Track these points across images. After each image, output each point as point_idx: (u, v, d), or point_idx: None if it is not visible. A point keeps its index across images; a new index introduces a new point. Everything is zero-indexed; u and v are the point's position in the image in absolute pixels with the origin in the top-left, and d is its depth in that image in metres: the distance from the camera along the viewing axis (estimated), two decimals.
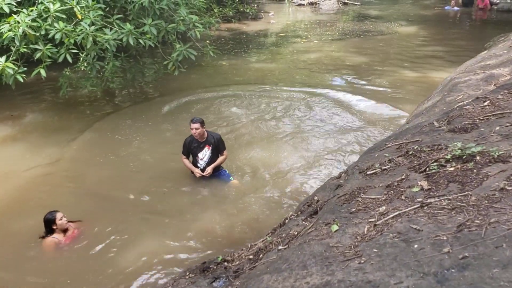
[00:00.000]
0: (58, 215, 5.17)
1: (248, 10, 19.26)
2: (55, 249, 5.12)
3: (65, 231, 5.24)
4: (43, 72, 7.42)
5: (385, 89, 9.96)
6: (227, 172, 6.54)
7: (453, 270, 2.00)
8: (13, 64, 7.20)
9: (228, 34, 16.65)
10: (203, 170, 6.34)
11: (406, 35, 15.90)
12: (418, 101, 8.01)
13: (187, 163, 6.48)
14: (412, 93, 9.49)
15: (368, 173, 3.53)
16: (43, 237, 5.20)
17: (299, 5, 23.30)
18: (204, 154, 6.35)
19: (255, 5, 20.78)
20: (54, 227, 5.16)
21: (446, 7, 20.83)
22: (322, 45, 14.82)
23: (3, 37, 7.10)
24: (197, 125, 6.16)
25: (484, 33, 14.89)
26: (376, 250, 2.38)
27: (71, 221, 5.37)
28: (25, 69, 7.48)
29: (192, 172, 6.43)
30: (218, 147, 6.39)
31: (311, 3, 23.26)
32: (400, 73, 11.14)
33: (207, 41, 10.76)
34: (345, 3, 23.42)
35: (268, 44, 15.18)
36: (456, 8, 20.32)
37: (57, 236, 5.18)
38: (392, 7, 22.53)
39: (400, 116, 8.24)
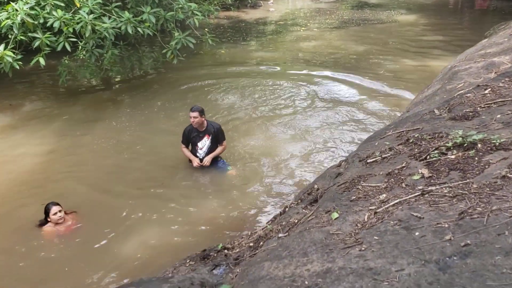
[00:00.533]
0: (53, 209, 5.09)
1: None
2: (52, 236, 5.09)
3: (60, 223, 5.16)
4: (42, 61, 7.38)
5: (385, 77, 9.92)
6: (225, 162, 6.53)
7: (455, 258, 1.99)
8: (12, 52, 7.15)
9: (227, 22, 16.57)
10: (202, 160, 6.33)
11: (406, 23, 15.83)
12: (418, 89, 7.99)
13: (187, 152, 6.46)
14: (412, 81, 9.46)
15: (368, 161, 3.52)
16: (40, 225, 5.19)
17: None
18: (204, 144, 6.33)
19: None
20: (48, 220, 5.13)
21: None
22: (321, 33, 14.74)
23: (1, 25, 7.04)
24: (195, 114, 6.14)
25: (484, 21, 14.82)
26: (376, 238, 2.38)
27: (66, 212, 5.30)
28: (21, 56, 7.43)
29: (190, 161, 6.41)
30: (217, 137, 6.37)
31: None
32: (400, 61, 11.10)
33: (206, 29, 10.68)
34: None
35: (267, 32, 15.11)
36: None
37: (53, 226, 5.15)
38: None
39: (400, 105, 8.21)
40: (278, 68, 10.98)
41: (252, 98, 9.06)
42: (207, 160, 6.29)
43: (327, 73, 10.46)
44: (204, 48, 11.22)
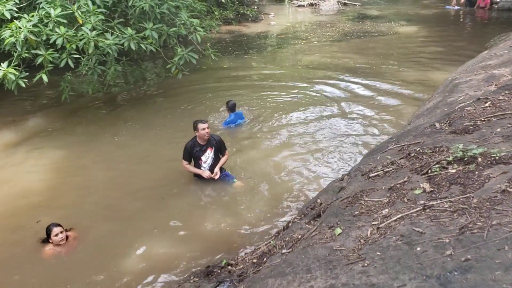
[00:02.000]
0: (54, 231, 5.07)
1: (248, 12, 19.28)
2: (51, 257, 5.05)
3: (61, 244, 5.13)
4: (45, 78, 7.45)
5: (386, 90, 9.96)
6: (230, 173, 6.56)
7: (455, 273, 2.01)
8: (15, 69, 7.24)
9: (229, 37, 16.69)
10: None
11: (406, 35, 15.92)
12: (420, 102, 8.04)
13: (191, 167, 6.44)
14: (413, 94, 9.49)
15: (370, 175, 3.55)
16: (42, 242, 5.19)
17: (299, 6, 23.34)
18: (207, 157, 6.37)
19: (255, 7, 20.83)
20: (50, 241, 5.11)
21: (446, 6, 20.83)
22: (322, 46, 14.84)
23: (5, 42, 7.13)
24: (207, 125, 6.27)
25: (484, 33, 14.89)
26: (379, 253, 2.40)
27: (67, 230, 5.28)
28: (27, 74, 7.51)
29: (195, 175, 6.44)
30: (220, 149, 6.43)
31: (311, 4, 23.30)
32: (402, 73, 11.15)
33: (208, 44, 10.77)
34: (345, 4, 23.46)
35: (269, 46, 15.22)
36: (456, 7, 20.32)
37: (54, 247, 5.12)
38: (392, 7, 22.55)
39: (401, 117, 8.24)
40: (280, 82, 11.03)
41: (255, 111, 9.11)
42: (217, 172, 6.30)
43: (328, 86, 10.50)
44: (206, 62, 11.30)
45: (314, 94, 9.98)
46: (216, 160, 6.43)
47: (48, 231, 5.10)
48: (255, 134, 8.04)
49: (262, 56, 13.88)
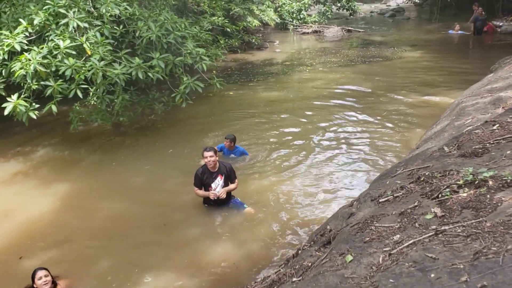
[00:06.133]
0: (38, 274, 4.77)
1: (253, 40, 19.51)
2: None
3: None
4: (54, 108, 7.54)
5: (392, 114, 9.97)
6: (239, 200, 6.54)
7: None
8: (25, 100, 7.33)
9: (234, 64, 16.85)
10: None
11: (411, 60, 16.01)
12: (427, 125, 8.02)
13: (200, 192, 6.48)
14: (420, 118, 9.48)
15: (380, 200, 3.51)
16: None
17: (303, 33, 23.59)
18: (217, 184, 6.37)
19: (260, 35, 21.08)
20: (35, 286, 4.80)
21: (449, 31, 20.98)
22: (327, 72, 14.94)
23: (15, 75, 7.24)
24: (211, 153, 6.24)
25: (488, 56, 14.94)
26: (392, 281, 2.36)
27: (58, 279, 5.01)
28: (38, 106, 7.60)
29: (205, 202, 6.42)
30: (230, 176, 6.43)
31: (315, 31, 23.55)
32: (407, 97, 11.17)
33: (214, 72, 10.87)
34: (349, 30, 23.70)
35: (274, 73, 15.33)
36: (460, 32, 20.46)
37: None
38: (394, 33, 22.75)
39: (409, 141, 8.22)
40: (286, 109, 11.07)
41: (262, 139, 9.13)
42: (222, 192, 6.28)
43: (334, 113, 10.52)
44: (212, 90, 11.38)
45: (321, 120, 9.99)
46: (225, 187, 6.43)
47: (33, 275, 4.80)
48: (263, 161, 8.04)
49: (268, 83, 13.97)
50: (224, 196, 6.30)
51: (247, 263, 5.23)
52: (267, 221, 6.11)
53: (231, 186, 6.47)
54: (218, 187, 6.39)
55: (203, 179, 6.41)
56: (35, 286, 4.80)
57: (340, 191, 6.73)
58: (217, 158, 6.40)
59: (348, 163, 7.64)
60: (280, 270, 3.60)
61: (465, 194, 3.04)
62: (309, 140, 8.82)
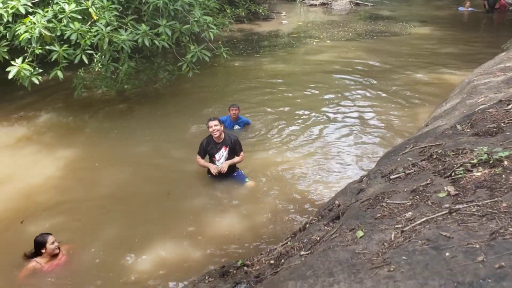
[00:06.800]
0: (50, 239, 4.81)
1: (260, 11, 19.19)
2: (32, 275, 4.73)
3: (53, 256, 4.86)
4: (60, 74, 7.44)
5: (400, 90, 9.84)
6: (242, 172, 6.50)
7: (489, 280, 1.94)
8: (29, 65, 7.22)
9: (240, 35, 16.61)
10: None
11: (420, 36, 15.76)
12: (435, 103, 7.93)
13: (203, 162, 6.45)
14: (428, 95, 9.36)
15: (391, 177, 3.47)
16: (27, 257, 4.88)
17: (311, 5, 23.19)
18: (221, 155, 6.33)
19: (267, 5, 20.71)
20: (43, 251, 4.80)
21: (459, 8, 20.61)
22: (335, 46, 14.72)
23: (20, 38, 7.12)
24: (215, 122, 6.19)
25: (500, 34, 14.71)
26: (405, 258, 2.33)
27: (60, 245, 4.98)
28: (41, 70, 7.49)
29: (208, 172, 6.40)
30: (234, 149, 6.37)
31: (323, 4, 23.13)
32: (415, 74, 11.01)
33: (220, 42, 10.70)
34: (357, 4, 23.28)
35: (280, 45, 15.11)
36: (470, 9, 20.09)
37: (40, 261, 4.81)
38: (404, 8, 22.34)
39: (416, 118, 8.13)
40: (292, 82, 10.93)
41: (267, 111, 9.04)
42: (224, 166, 6.26)
43: (342, 86, 10.40)
44: (218, 61, 11.24)
45: (327, 94, 9.88)
46: (230, 159, 6.38)
47: (43, 242, 4.79)
48: (268, 135, 7.94)
49: (274, 55, 13.78)
50: (225, 170, 6.27)
51: (251, 236, 5.21)
52: (271, 195, 6.07)
53: (235, 159, 6.42)
54: (222, 158, 6.35)
55: (208, 149, 6.37)
56: (43, 251, 4.80)
57: (346, 167, 6.67)
58: (222, 128, 6.34)
59: (354, 138, 7.57)
60: (287, 243, 3.59)
61: (479, 174, 2.99)
62: (315, 114, 8.72)
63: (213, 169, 6.27)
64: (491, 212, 2.49)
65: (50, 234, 4.90)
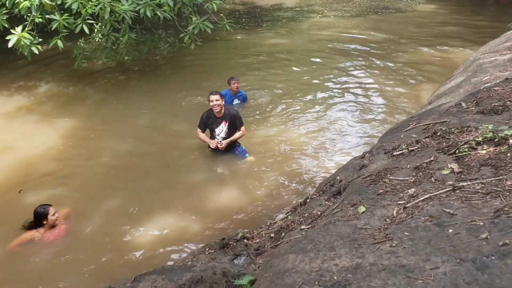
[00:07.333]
0: (51, 210, 4.79)
1: None
2: (32, 245, 4.73)
3: (52, 227, 4.86)
4: (60, 44, 7.35)
5: (403, 68, 9.75)
6: (243, 148, 6.48)
7: (493, 257, 1.93)
8: (29, 34, 7.12)
9: (242, 8, 16.40)
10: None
11: (425, 13, 15.56)
12: (438, 80, 7.86)
13: (203, 136, 6.43)
14: (432, 73, 9.28)
15: (394, 153, 3.44)
16: (26, 228, 4.84)
17: None
18: (221, 130, 6.30)
19: None
20: (44, 222, 4.79)
21: None
22: (338, 21, 14.54)
23: (20, 6, 7.00)
24: (217, 97, 6.12)
25: (506, 13, 14.52)
26: (407, 234, 2.32)
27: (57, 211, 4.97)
28: (41, 40, 7.39)
29: (209, 147, 6.37)
30: (235, 123, 6.33)
31: None
32: (419, 52, 10.91)
33: (222, 15, 10.59)
34: None
35: (283, 19, 14.92)
36: None
37: (40, 231, 4.80)
38: None
39: (419, 96, 8.07)
40: (294, 57, 10.83)
41: (268, 85, 8.96)
42: (224, 145, 6.24)
43: (345, 61, 10.30)
44: (219, 34, 11.10)
45: (329, 69, 9.80)
46: (230, 133, 6.35)
47: (45, 213, 4.77)
48: (269, 111, 7.89)
49: (276, 29, 13.62)
50: (224, 147, 6.24)
51: (250, 210, 5.21)
52: (271, 170, 6.06)
53: (236, 135, 6.38)
54: (222, 133, 6.31)
55: (208, 123, 6.34)
56: (45, 222, 4.79)
57: (347, 143, 6.63)
58: (223, 102, 6.28)
59: (356, 115, 7.51)
60: (287, 217, 3.58)
61: (484, 151, 2.97)
62: (316, 89, 8.66)
63: (212, 143, 6.25)
64: (495, 190, 2.47)
65: (51, 205, 4.89)
